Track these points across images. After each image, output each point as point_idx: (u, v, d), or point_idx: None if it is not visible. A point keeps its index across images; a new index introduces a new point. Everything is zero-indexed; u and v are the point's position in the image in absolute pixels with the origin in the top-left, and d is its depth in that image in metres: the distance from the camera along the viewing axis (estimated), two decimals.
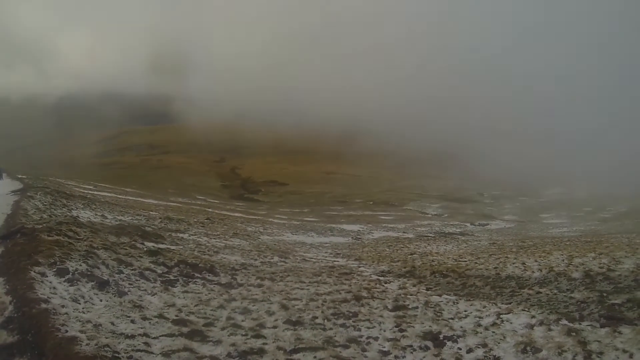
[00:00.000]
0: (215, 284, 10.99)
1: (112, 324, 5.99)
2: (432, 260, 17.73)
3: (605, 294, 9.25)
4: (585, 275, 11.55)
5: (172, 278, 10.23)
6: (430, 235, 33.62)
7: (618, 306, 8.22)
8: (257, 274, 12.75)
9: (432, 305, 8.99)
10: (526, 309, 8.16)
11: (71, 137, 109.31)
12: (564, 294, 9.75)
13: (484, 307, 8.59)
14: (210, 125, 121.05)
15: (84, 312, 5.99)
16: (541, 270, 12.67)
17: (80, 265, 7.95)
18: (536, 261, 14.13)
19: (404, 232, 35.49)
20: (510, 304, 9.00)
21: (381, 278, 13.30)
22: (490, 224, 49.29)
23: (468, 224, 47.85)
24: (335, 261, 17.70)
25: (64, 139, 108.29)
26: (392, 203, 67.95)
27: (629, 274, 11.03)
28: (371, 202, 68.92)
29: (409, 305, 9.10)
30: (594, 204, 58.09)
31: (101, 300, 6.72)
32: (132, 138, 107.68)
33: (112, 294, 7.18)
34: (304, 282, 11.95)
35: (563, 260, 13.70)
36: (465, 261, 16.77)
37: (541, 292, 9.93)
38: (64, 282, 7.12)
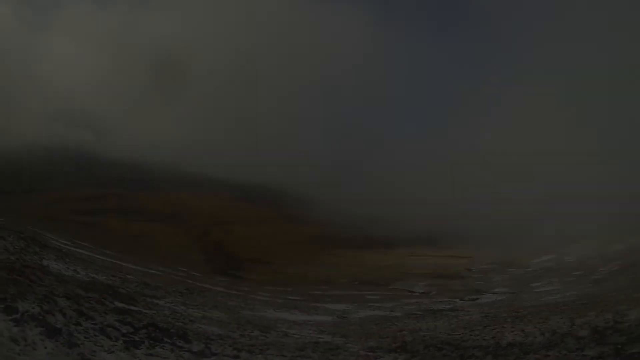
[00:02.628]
0: (185, 351, 10.06)
1: None
2: (424, 336, 16.76)
3: (620, 346, 8.68)
4: (593, 331, 10.84)
5: (137, 339, 9.19)
6: (419, 312, 32.29)
7: (638, 355, 7.68)
8: (234, 345, 11.78)
9: None
10: None
11: (56, 191, 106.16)
12: (575, 353, 9.08)
13: None
14: (196, 195, 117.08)
15: (19, 354, 5.18)
16: (544, 334, 11.88)
17: (33, 308, 7.25)
18: (536, 327, 13.25)
19: (391, 311, 34.08)
20: None
21: (370, 354, 12.61)
22: (480, 297, 48.00)
23: (457, 300, 46.47)
24: (320, 337, 16.59)
25: (48, 192, 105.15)
26: (377, 282, 66.30)
27: None
28: (356, 282, 67.19)
29: None
30: (584, 267, 56.95)
31: (45, 347, 5.85)
32: (117, 201, 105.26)
33: (62, 343, 6.31)
34: (286, 356, 11.26)
35: (565, 323, 12.90)
36: (458, 334, 15.87)
37: (549, 355, 9.18)
38: (9, 320, 6.46)
